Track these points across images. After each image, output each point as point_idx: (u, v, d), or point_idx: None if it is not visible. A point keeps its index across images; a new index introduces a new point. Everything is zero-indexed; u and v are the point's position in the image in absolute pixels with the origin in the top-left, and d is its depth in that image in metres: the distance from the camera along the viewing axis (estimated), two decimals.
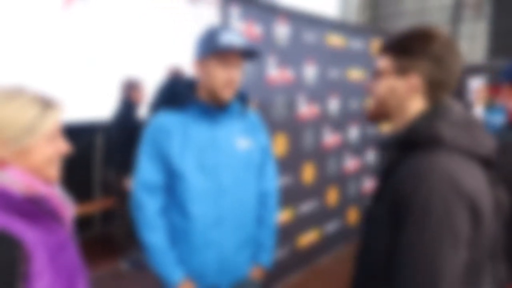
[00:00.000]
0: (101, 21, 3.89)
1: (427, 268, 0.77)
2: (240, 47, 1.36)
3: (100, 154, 4.14)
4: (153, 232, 1.43)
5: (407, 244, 0.80)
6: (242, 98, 1.54)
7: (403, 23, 9.08)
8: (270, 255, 1.66)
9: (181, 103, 1.45)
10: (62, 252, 0.92)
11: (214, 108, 1.44)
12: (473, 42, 9.08)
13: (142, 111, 3.55)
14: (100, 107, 3.81)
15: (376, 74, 1.03)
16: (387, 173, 0.95)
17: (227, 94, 1.41)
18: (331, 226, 3.66)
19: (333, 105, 3.43)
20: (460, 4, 9.01)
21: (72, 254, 0.98)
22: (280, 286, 3.12)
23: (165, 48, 4.42)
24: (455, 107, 0.95)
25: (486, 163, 0.91)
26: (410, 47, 0.95)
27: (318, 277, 3.31)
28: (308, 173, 3.24)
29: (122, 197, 3.43)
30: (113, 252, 3.55)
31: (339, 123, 3.54)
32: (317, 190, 3.38)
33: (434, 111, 0.94)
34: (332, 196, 3.59)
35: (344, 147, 3.66)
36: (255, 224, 1.58)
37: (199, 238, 1.43)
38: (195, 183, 1.40)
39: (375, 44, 3.84)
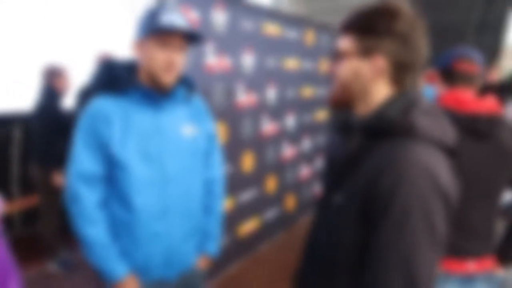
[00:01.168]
0: (18, 4, 3.49)
1: (405, 270, 0.74)
2: (182, 29, 1.28)
3: (19, 149, 3.76)
4: (92, 225, 1.32)
5: (384, 244, 0.76)
6: (188, 83, 1.47)
7: (338, 18, 9.45)
8: (217, 243, 1.63)
9: (121, 87, 1.34)
10: None
11: (157, 93, 1.35)
12: None
13: (68, 100, 3.29)
14: (17, 97, 3.45)
15: (337, 56, 0.95)
16: (349, 162, 0.89)
17: (167, 78, 1.32)
18: (270, 214, 3.73)
19: (271, 93, 3.46)
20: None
21: (1, 253, 0.88)
22: (222, 274, 3.11)
23: (93, 34, 4.11)
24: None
25: (450, 152, 0.87)
26: (373, 25, 0.87)
27: (258, 264, 3.36)
28: (248, 161, 3.25)
29: (49, 194, 3.16)
30: (39, 253, 3.28)
31: (277, 112, 3.59)
32: (256, 178, 3.40)
33: (405, 98, 0.88)
34: (271, 184, 3.65)
35: (282, 136, 3.72)
36: (201, 213, 1.53)
37: (144, 230, 1.35)
38: (138, 173, 1.31)
39: (309, 34, 3.94)
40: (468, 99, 1.48)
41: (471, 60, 1.52)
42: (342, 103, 0.96)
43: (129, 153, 1.30)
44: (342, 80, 0.93)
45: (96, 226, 1.32)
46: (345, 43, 0.92)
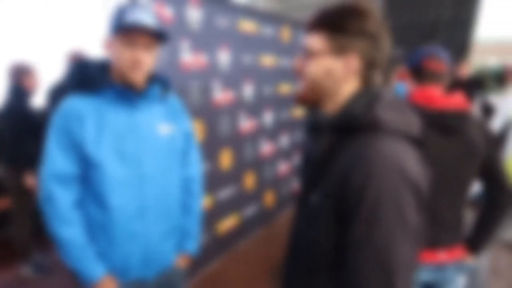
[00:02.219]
0: None
1: (380, 264, 0.74)
2: (146, 27, 1.26)
3: None
4: (68, 226, 1.30)
5: (358, 240, 0.76)
6: (163, 82, 1.46)
7: (310, 15, 9.54)
8: (196, 242, 1.63)
9: (94, 86, 1.32)
10: None
11: (131, 92, 1.33)
12: None
13: (37, 99, 3.19)
14: None
15: (307, 54, 0.94)
16: (323, 160, 0.90)
17: (135, 76, 1.31)
18: (249, 210, 3.74)
19: (248, 91, 3.46)
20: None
21: None
22: (202, 272, 3.11)
23: (63, 32, 3.99)
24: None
25: (417, 143, 0.89)
26: (346, 24, 0.87)
27: (238, 261, 3.37)
28: (226, 159, 3.24)
29: (21, 196, 3.07)
30: (12, 257, 3.18)
31: (254, 109, 3.59)
32: (235, 175, 3.40)
33: (369, 93, 0.90)
34: (249, 181, 3.66)
35: (260, 132, 3.73)
36: (179, 212, 1.53)
37: (121, 230, 1.33)
38: (114, 172, 1.30)
39: (285, 31, 3.95)
40: (437, 95, 1.54)
41: (439, 59, 1.58)
42: (311, 101, 0.96)
43: (103, 152, 1.29)
44: (313, 78, 0.93)
45: (71, 227, 1.30)
46: (316, 41, 0.91)
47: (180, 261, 1.58)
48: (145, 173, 1.36)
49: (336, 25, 0.88)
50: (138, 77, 1.32)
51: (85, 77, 1.34)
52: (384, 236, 0.75)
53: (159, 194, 1.40)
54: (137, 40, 1.28)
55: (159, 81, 1.45)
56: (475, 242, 1.63)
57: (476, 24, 8.47)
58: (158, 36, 1.33)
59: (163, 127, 1.43)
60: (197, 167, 1.64)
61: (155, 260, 1.44)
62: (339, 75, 0.91)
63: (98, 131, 1.29)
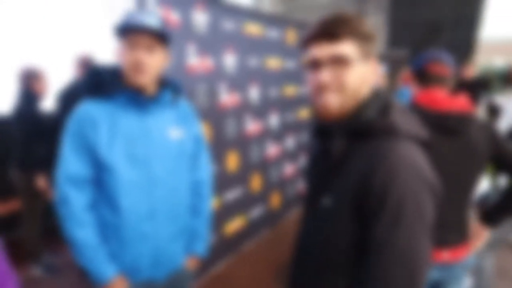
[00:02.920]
0: None
1: (405, 263, 0.77)
2: (144, 27, 1.28)
3: None
4: (82, 228, 1.34)
5: (382, 239, 0.79)
6: (174, 87, 1.49)
7: (314, 15, 9.57)
8: (205, 244, 1.66)
9: (106, 91, 1.36)
10: None
11: (142, 97, 1.37)
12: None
13: (47, 103, 3.24)
14: None
15: (340, 64, 0.89)
16: (334, 164, 0.91)
17: (138, 79, 1.33)
18: (256, 212, 3.76)
19: (254, 93, 3.49)
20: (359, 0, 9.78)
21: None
22: (208, 273, 3.14)
23: (71, 36, 4.04)
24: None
25: (425, 146, 0.92)
26: (367, 31, 0.90)
27: (244, 263, 3.39)
28: (232, 161, 3.27)
29: (31, 198, 3.12)
30: (22, 258, 3.23)
31: (260, 111, 3.62)
32: (241, 177, 3.43)
33: (379, 98, 0.93)
34: (256, 183, 3.68)
35: (266, 134, 3.76)
36: (188, 214, 1.56)
37: (132, 232, 1.37)
38: (125, 175, 1.33)
39: (290, 33, 3.98)
40: (440, 98, 1.56)
41: (443, 63, 1.61)
42: (348, 112, 0.92)
43: (116, 156, 1.32)
44: (353, 88, 0.90)
45: (84, 228, 1.34)
46: (348, 49, 0.88)
47: (189, 263, 1.61)
48: (155, 176, 1.39)
49: (362, 32, 0.89)
50: (143, 80, 1.34)
51: (98, 82, 1.38)
52: (408, 235, 0.78)
53: (168, 196, 1.43)
54: (138, 42, 1.30)
55: (170, 86, 1.48)
56: (493, 215, 1.67)
57: (481, 23, 8.42)
58: (160, 38, 1.33)
59: (173, 131, 1.46)
60: (207, 171, 1.68)
61: (164, 261, 1.47)
62: (370, 80, 0.94)
63: (111, 135, 1.33)
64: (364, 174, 0.83)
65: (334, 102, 0.91)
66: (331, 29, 0.88)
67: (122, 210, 1.34)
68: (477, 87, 4.99)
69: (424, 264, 0.79)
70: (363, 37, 0.89)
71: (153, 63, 1.34)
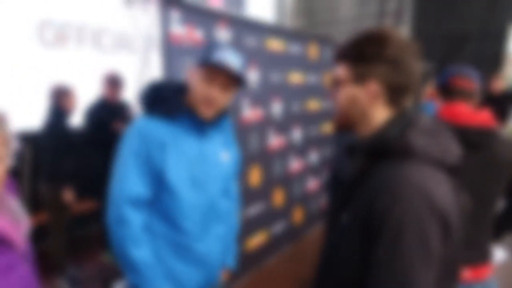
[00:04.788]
0: (25, 24, 3.57)
1: (400, 286, 0.75)
2: (227, 67, 1.30)
3: (28, 167, 3.80)
4: (140, 247, 1.33)
5: (379, 262, 0.78)
6: (226, 112, 1.52)
7: (338, 29, 9.60)
8: (234, 256, 1.69)
9: (170, 111, 1.36)
10: (9, 273, 0.84)
11: (205, 122, 1.39)
12: None
13: (75, 119, 3.34)
14: (27, 116, 3.50)
15: (335, 83, 1.00)
16: (354, 182, 0.92)
17: (205, 111, 1.35)
18: (278, 227, 3.72)
19: (276, 108, 3.49)
20: (383, 12, 9.73)
21: (24, 272, 0.91)
22: None
23: (98, 53, 4.18)
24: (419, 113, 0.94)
25: (452, 170, 0.89)
26: (365, 53, 0.91)
27: (267, 278, 3.34)
28: (255, 176, 3.26)
29: (58, 211, 3.20)
30: (48, 271, 3.29)
31: (283, 126, 3.61)
32: (264, 192, 3.41)
33: (402, 118, 0.92)
34: (278, 198, 3.65)
35: (288, 149, 3.74)
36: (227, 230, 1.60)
37: (189, 251, 1.40)
38: (187, 197, 1.36)
39: (312, 48, 3.99)
40: (463, 112, 1.53)
41: (467, 77, 1.59)
42: (345, 126, 1.02)
43: (180, 179, 1.34)
44: (341, 106, 0.99)
45: (143, 248, 1.33)
46: (341, 71, 0.97)
47: (223, 275, 1.65)
48: (210, 198, 1.43)
49: (356, 54, 0.93)
50: (208, 113, 1.36)
51: (160, 99, 1.38)
52: (405, 261, 0.75)
53: (217, 217, 1.48)
54: (216, 78, 1.32)
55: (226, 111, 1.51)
56: (497, 227, 1.65)
57: (508, 35, 8.22)
58: (237, 79, 1.36)
59: (224, 154, 1.51)
60: (236, 188, 1.72)
61: (212, 278, 1.52)
62: (363, 101, 0.95)
63: (176, 157, 1.34)
64: (372, 194, 0.82)
65: (334, 115, 1.01)
66: (336, 52, 1.00)
67: (183, 231, 1.37)
68: (506, 101, 4.84)
69: None
70: (354, 60, 0.94)
71: (224, 101, 1.37)
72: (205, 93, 1.32)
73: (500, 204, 1.64)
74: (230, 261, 1.66)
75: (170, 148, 1.32)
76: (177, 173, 1.33)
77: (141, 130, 1.33)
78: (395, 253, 0.76)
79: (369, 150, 0.90)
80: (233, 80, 1.36)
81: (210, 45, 1.36)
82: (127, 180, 1.31)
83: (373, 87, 0.92)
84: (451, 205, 0.81)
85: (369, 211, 0.81)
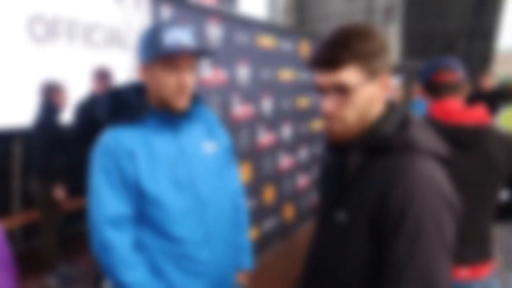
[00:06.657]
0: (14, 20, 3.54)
1: (425, 283, 0.75)
2: (189, 48, 1.17)
3: (19, 164, 3.78)
4: (132, 270, 1.19)
5: (399, 259, 0.76)
6: (196, 98, 1.37)
7: (327, 25, 9.62)
8: (250, 256, 1.54)
9: (134, 115, 1.23)
10: None
11: (176, 116, 1.24)
12: None
13: (66, 115, 3.33)
14: (17, 113, 3.48)
15: (343, 92, 0.87)
16: (350, 179, 0.89)
17: (181, 102, 1.21)
18: (269, 224, 3.74)
19: (266, 105, 3.51)
20: (371, 9, 9.76)
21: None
22: None
23: (88, 50, 4.16)
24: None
25: (445, 163, 0.89)
26: (371, 48, 0.86)
27: (257, 275, 3.36)
28: (245, 172, 3.28)
29: (49, 209, 3.19)
30: (39, 268, 3.28)
31: (273, 123, 3.63)
32: (254, 189, 3.43)
33: (397, 113, 0.91)
34: (269, 194, 3.67)
35: (278, 146, 3.76)
36: (233, 230, 1.44)
37: (190, 261, 1.25)
38: (174, 204, 1.22)
39: (304, 45, 4.00)
40: (455, 109, 1.50)
41: (450, 70, 1.54)
42: (353, 136, 0.91)
43: (160, 186, 1.21)
44: (359, 111, 0.88)
45: (135, 269, 1.20)
46: (350, 76, 0.85)
47: (240, 278, 1.50)
48: (202, 197, 1.27)
49: (363, 52, 0.86)
50: (184, 101, 1.23)
51: (121, 106, 1.27)
52: (427, 255, 0.76)
53: (218, 217, 1.32)
54: (180, 63, 1.18)
55: (197, 98, 1.37)
56: (503, 211, 1.63)
57: (498, 34, 8.30)
58: (198, 53, 1.24)
59: (207, 145, 1.35)
60: (238, 180, 1.55)
61: (224, 285, 1.36)
62: (378, 97, 0.91)
63: (150, 163, 1.20)
64: (382, 192, 0.80)
65: (337, 129, 0.91)
66: (331, 56, 0.86)
67: (177, 240, 1.22)
68: (496, 99, 4.89)
69: (446, 285, 0.76)
70: (366, 57, 0.86)
71: (193, 83, 1.24)
72: (177, 82, 1.18)
73: (503, 195, 1.63)
74: (246, 261, 1.50)
75: (140, 155, 1.19)
76: (154, 179, 1.19)
77: (106, 144, 1.22)
78: (417, 247, 0.75)
79: (367, 147, 0.88)
80: (195, 56, 1.23)
81: (152, 31, 1.20)
82: (103, 201, 1.19)
83: (385, 79, 0.90)
84: (453, 194, 0.83)
85: (382, 209, 0.79)
